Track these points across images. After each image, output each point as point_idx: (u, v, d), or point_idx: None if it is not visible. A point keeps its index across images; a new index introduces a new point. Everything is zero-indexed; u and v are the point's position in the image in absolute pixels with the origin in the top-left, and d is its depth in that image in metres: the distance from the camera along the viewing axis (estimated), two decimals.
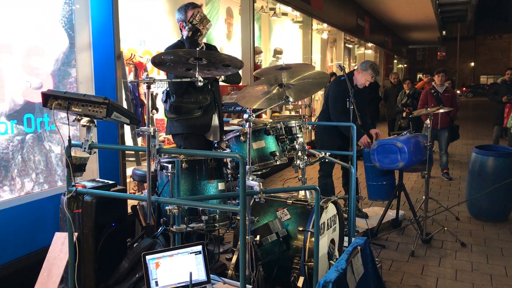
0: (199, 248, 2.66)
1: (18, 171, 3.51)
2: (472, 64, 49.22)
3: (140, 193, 4.91)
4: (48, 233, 3.39)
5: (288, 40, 11.44)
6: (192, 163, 2.88)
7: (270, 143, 3.07)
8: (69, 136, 2.43)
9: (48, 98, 2.43)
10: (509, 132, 7.69)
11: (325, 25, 12.21)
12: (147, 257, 2.56)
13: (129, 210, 3.47)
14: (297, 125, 3.34)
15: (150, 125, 2.34)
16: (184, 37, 3.50)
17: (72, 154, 2.45)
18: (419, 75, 46.33)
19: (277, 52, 9.56)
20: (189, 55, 2.49)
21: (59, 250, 2.99)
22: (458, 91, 10.33)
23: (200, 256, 2.64)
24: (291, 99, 2.89)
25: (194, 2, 3.59)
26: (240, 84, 5.93)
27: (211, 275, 2.70)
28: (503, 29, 47.24)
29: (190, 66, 2.59)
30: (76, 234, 2.89)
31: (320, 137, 5.05)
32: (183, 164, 2.84)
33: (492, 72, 47.84)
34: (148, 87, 2.37)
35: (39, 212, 3.52)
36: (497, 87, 12.06)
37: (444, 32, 33.80)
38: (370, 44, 17.96)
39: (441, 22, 24.12)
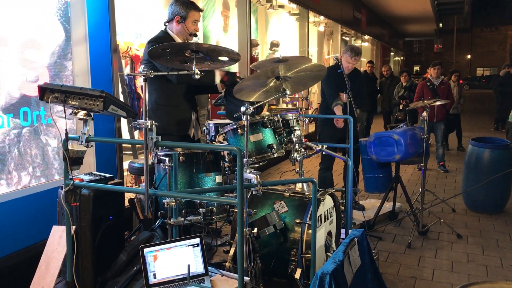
0: (196, 240, 2.67)
1: (15, 165, 3.50)
2: (469, 56, 49.22)
3: (137, 186, 4.91)
4: (46, 227, 3.39)
5: (285, 32, 11.41)
6: (189, 156, 2.88)
7: (268, 136, 3.08)
8: (66, 130, 2.42)
9: (45, 92, 2.42)
10: (507, 125, 7.68)
11: (321, 17, 12.18)
12: (145, 250, 2.57)
13: (126, 203, 3.47)
14: (294, 118, 3.34)
15: (147, 118, 2.34)
16: (174, 31, 3.53)
17: (69, 147, 2.45)
18: (416, 68, 46.36)
19: (274, 45, 9.54)
20: (186, 48, 2.49)
21: (57, 243, 2.99)
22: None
23: (198, 249, 2.65)
24: (288, 92, 2.89)
25: (197, 5, 3.58)
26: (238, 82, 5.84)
27: (209, 267, 2.71)
28: (500, 22, 47.20)
29: (187, 59, 2.59)
30: (73, 227, 2.89)
31: (321, 130, 5.07)
32: (180, 157, 2.85)
33: (489, 64, 47.88)
34: (145, 80, 2.37)
35: (36, 206, 3.51)
36: (500, 79, 12.08)
37: (440, 24, 33.73)
38: (366, 37, 17.93)
39: (437, 14, 24.08)
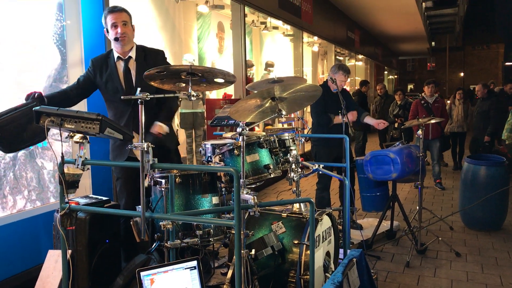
0: (194, 263, 2.64)
1: (10, 189, 3.48)
2: (462, 74, 49.72)
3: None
4: (41, 251, 3.36)
5: (279, 53, 11.52)
6: (186, 177, 2.87)
7: (264, 156, 3.08)
8: (62, 153, 2.41)
9: (41, 115, 2.42)
10: (503, 143, 7.76)
11: (315, 38, 12.32)
12: (142, 273, 2.54)
13: None
14: (290, 138, 3.35)
15: (143, 141, 2.34)
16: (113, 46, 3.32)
17: (65, 170, 2.44)
18: (410, 86, 46.72)
19: (269, 65, 9.62)
20: (182, 70, 2.50)
21: (53, 268, 2.95)
22: (448, 101, 10.63)
23: (195, 272, 2.62)
24: (284, 112, 2.90)
25: (114, 6, 3.27)
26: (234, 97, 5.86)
27: None
28: (491, 40, 47.88)
29: (182, 81, 2.60)
30: (69, 251, 2.86)
31: (315, 150, 5.07)
32: (177, 179, 2.83)
33: (482, 81, 48.33)
34: (141, 103, 2.37)
35: (31, 230, 3.48)
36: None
37: (433, 43, 34.20)
38: (360, 56, 18.13)
39: (430, 33, 24.44)
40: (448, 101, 10.01)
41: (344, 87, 5.17)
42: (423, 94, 7.72)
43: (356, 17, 15.60)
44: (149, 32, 6.53)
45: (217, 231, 2.92)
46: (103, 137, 2.47)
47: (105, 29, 3.31)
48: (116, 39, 3.23)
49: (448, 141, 9.37)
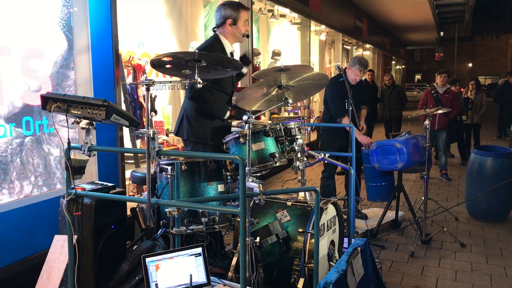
0: (199, 250, 2.65)
1: (17, 174, 3.50)
2: (470, 64, 49.31)
3: (139, 195, 4.90)
4: (48, 236, 3.39)
5: (286, 41, 11.44)
6: (192, 165, 2.88)
7: (270, 145, 3.07)
8: (68, 139, 2.42)
9: (47, 101, 2.42)
10: (509, 133, 7.71)
11: (323, 26, 12.22)
12: (147, 259, 2.56)
13: (128, 213, 3.46)
14: (296, 127, 3.34)
15: (149, 127, 2.34)
16: (226, 35, 3.52)
17: (72, 156, 2.44)
18: (417, 76, 46.41)
19: (276, 54, 9.56)
20: (188, 57, 2.49)
21: (59, 253, 2.98)
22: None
23: (200, 258, 2.64)
24: (290, 101, 2.89)
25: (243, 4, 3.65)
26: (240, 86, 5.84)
27: (211, 277, 2.70)
28: (500, 30, 47.39)
29: (189, 68, 2.59)
30: (75, 236, 2.88)
31: (324, 138, 5.06)
32: (183, 166, 2.84)
33: (490, 72, 47.96)
34: (147, 89, 2.37)
35: (38, 215, 3.51)
36: (501, 88, 12.16)
37: (442, 33, 33.85)
38: (368, 45, 17.99)
39: (439, 23, 24.18)
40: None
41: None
42: (434, 83, 7.63)
43: (364, 6, 15.44)
44: (155, 19, 6.50)
45: (222, 219, 2.93)
46: (110, 123, 2.47)
47: (229, 20, 3.47)
48: (247, 36, 3.56)
49: (455, 132, 9.32)
